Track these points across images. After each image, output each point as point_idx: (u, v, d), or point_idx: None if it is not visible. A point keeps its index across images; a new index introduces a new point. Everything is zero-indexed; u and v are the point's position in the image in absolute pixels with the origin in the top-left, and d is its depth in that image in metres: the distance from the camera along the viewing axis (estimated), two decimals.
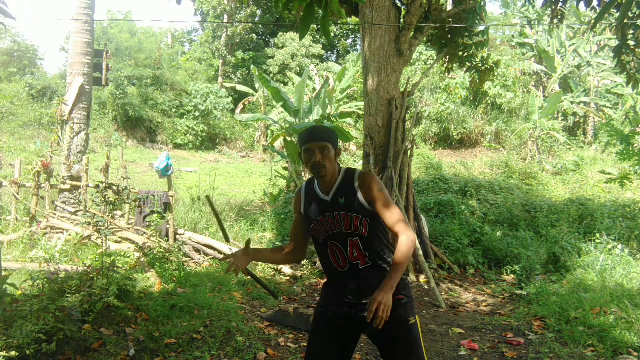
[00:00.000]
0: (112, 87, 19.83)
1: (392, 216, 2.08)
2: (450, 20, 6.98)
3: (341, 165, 2.22)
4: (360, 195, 2.09)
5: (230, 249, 6.12)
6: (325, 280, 2.29)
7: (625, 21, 5.11)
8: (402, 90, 6.61)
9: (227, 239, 2.38)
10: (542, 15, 19.16)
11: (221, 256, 6.31)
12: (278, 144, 14.05)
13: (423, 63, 19.35)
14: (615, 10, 6.30)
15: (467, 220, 7.53)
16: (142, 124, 20.95)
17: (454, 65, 7.74)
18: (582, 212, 7.98)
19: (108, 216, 6.06)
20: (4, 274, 3.89)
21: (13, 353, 2.86)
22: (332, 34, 28.99)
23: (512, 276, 6.08)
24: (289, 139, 11.39)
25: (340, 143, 16.64)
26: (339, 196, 2.12)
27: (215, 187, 10.01)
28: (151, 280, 4.90)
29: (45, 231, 6.72)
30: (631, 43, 6.17)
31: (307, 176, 11.96)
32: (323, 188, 2.17)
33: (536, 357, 3.73)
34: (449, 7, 7.21)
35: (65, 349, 3.24)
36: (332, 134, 2.14)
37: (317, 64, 25.01)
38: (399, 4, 6.64)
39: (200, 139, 21.78)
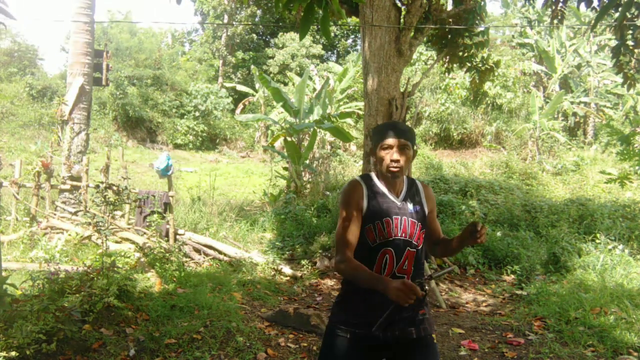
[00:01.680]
0: (112, 87, 19.82)
1: (438, 224, 2.12)
2: (450, 20, 6.98)
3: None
4: (425, 204, 2.04)
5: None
6: (343, 294, 2.02)
7: (624, 21, 5.11)
8: (402, 90, 6.61)
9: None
10: (542, 15, 19.17)
11: (221, 256, 6.32)
12: (278, 144, 14.04)
13: (423, 63, 19.34)
14: (614, 11, 6.30)
15: (467, 220, 7.53)
16: (142, 124, 20.95)
17: (454, 65, 7.74)
18: (582, 212, 7.97)
19: (108, 216, 6.07)
20: (4, 274, 3.89)
21: (13, 353, 2.86)
22: (332, 34, 28.99)
23: (512, 276, 6.08)
24: (289, 139, 11.39)
25: (341, 143, 16.70)
26: (408, 201, 1.99)
27: (215, 187, 10.00)
28: (151, 280, 4.90)
29: (45, 231, 6.72)
30: (630, 43, 6.17)
31: (307, 176, 11.95)
32: (392, 189, 2.00)
33: (536, 357, 3.73)
34: (449, 7, 7.21)
35: (65, 349, 3.24)
36: (413, 134, 2.01)
37: (317, 64, 25.02)
38: (399, 4, 6.64)
39: (200, 139, 21.78)
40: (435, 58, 11.04)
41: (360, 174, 7.74)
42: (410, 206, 1.99)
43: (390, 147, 1.94)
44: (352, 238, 1.93)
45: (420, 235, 1.98)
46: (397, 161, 1.93)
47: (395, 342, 1.92)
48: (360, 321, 1.91)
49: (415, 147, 2.02)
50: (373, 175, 2.05)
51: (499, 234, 7.12)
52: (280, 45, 27.34)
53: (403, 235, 1.94)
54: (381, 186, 2.00)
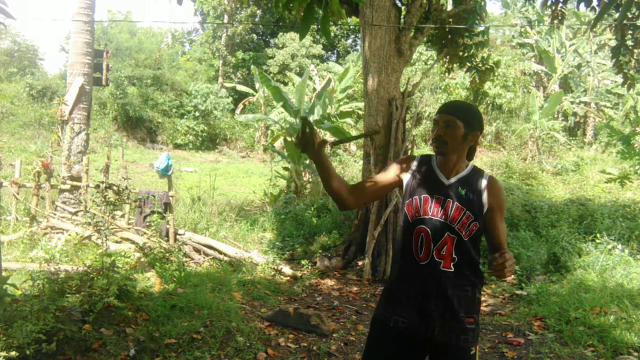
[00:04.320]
0: (112, 87, 19.84)
1: (504, 231, 1.94)
2: (450, 20, 6.98)
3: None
4: (484, 197, 1.88)
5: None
6: (389, 286, 2.02)
7: (624, 21, 5.11)
8: (402, 90, 6.61)
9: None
10: (542, 15, 19.17)
11: (221, 256, 6.31)
12: (278, 144, 14.05)
13: (423, 63, 19.35)
14: (614, 11, 6.30)
15: None
16: (142, 124, 20.95)
17: (454, 65, 7.74)
18: (582, 212, 7.96)
19: (108, 216, 6.06)
20: (4, 274, 3.89)
21: (13, 353, 2.86)
22: (332, 34, 28.98)
23: (512, 276, 6.08)
24: (289, 139, 11.39)
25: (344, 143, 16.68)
26: (460, 185, 1.89)
27: (215, 187, 10.00)
28: (151, 280, 4.90)
29: (45, 231, 6.72)
30: (629, 43, 6.17)
31: (307, 176, 11.96)
32: (444, 169, 1.93)
33: (536, 357, 3.73)
34: (449, 7, 7.22)
35: (65, 349, 3.24)
36: (467, 112, 1.89)
37: (317, 64, 25.03)
38: (399, 4, 6.65)
39: (200, 139, 21.78)
40: (435, 58, 11.04)
41: (361, 173, 7.62)
42: (461, 191, 1.88)
43: (436, 122, 1.91)
44: (367, 181, 1.95)
45: (467, 224, 1.84)
46: (440, 137, 1.88)
47: (434, 342, 1.86)
48: (403, 311, 1.89)
49: (472, 129, 1.89)
50: (434, 156, 2.01)
51: None
52: (280, 45, 27.34)
53: (442, 217, 1.85)
54: (434, 165, 1.96)
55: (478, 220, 1.86)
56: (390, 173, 2.00)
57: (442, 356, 1.88)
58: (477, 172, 1.95)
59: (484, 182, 1.91)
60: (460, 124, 1.87)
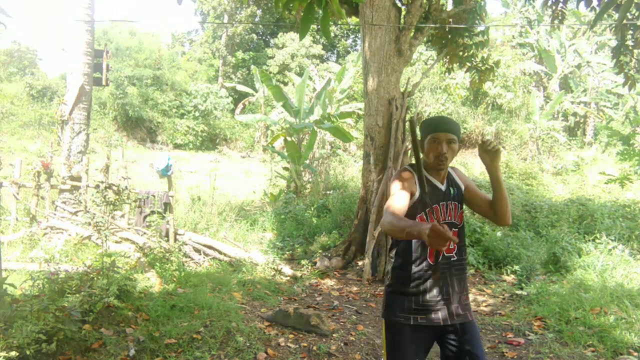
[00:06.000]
0: (112, 87, 19.83)
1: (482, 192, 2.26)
2: (450, 20, 6.98)
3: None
4: (460, 185, 2.20)
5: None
6: (395, 284, 2.14)
7: (625, 22, 5.11)
8: (402, 90, 6.61)
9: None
10: (542, 15, 19.16)
11: (221, 256, 6.31)
12: (278, 144, 14.04)
13: (423, 63, 19.34)
14: (614, 11, 6.30)
15: (467, 220, 7.53)
16: (142, 124, 20.95)
17: (454, 65, 7.75)
18: (582, 212, 7.97)
19: (108, 216, 6.07)
20: (4, 274, 3.89)
21: (13, 353, 2.86)
22: (332, 34, 28.98)
23: (512, 276, 6.08)
24: (289, 138, 11.39)
25: (341, 143, 16.69)
26: (450, 187, 2.16)
27: (215, 187, 10.00)
28: (151, 280, 4.90)
29: (45, 231, 6.72)
30: (629, 43, 6.17)
31: (307, 176, 11.94)
32: (436, 176, 2.15)
33: (536, 357, 3.73)
34: (449, 7, 7.22)
35: (65, 349, 3.24)
36: (459, 128, 2.13)
37: (317, 64, 25.02)
38: (399, 4, 6.65)
39: (200, 139, 21.78)
40: (435, 58, 11.04)
41: (361, 173, 7.61)
42: (452, 191, 2.16)
43: (438, 140, 2.06)
44: (400, 207, 2.00)
45: (460, 215, 2.17)
46: (444, 154, 2.06)
47: (452, 326, 2.06)
48: (419, 307, 2.05)
49: (459, 142, 2.13)
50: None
51: (499, 234, 7.12)
52: (280, 45, 27.33)
53: (448, 218, 2.13)
54: (428, 176, 2.15)
55: (463, 207, 2.20)
56: (407, 194, 2.06)
57: (461, 333, 2.05)
58: (448, 171, 2.24)
59: (454, 174, 2.23)
60: (457, 140, 2.10)
